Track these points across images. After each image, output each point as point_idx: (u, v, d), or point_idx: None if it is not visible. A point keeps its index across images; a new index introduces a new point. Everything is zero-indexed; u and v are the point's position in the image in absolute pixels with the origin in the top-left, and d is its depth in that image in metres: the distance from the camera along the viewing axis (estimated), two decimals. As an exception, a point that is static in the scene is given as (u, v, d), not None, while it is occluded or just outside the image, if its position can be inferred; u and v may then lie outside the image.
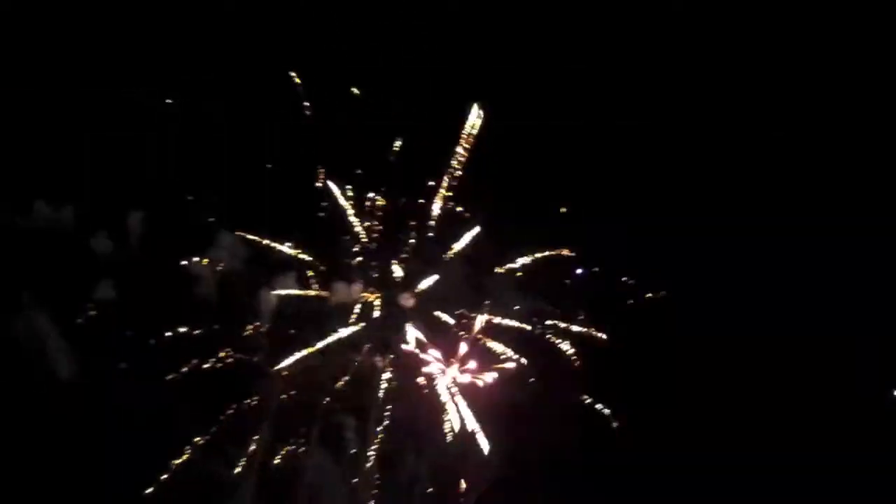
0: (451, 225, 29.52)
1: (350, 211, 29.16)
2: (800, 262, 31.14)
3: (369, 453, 29.53)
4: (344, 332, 29.23)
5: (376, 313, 29.79)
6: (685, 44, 29.98)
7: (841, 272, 30.64)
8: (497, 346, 29.93)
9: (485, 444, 29.51)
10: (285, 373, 28.80)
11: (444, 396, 29.54)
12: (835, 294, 30.58)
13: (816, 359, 30.32)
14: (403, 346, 29.63)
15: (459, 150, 28.92)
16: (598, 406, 30.18)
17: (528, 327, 30.20)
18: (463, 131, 29.08)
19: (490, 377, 29.69)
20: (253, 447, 29.05)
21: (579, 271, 30.58)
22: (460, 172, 28.97)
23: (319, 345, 29.14)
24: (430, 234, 29.51)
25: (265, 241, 28.88)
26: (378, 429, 29.67)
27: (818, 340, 30.16)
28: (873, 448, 29.88)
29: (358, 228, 29.45)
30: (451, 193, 29.22)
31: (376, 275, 29.65)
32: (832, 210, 30.63)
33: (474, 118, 29.02)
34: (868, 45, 29.74)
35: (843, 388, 30.14)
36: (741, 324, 30.72)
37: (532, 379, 29.93)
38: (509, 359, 29.89)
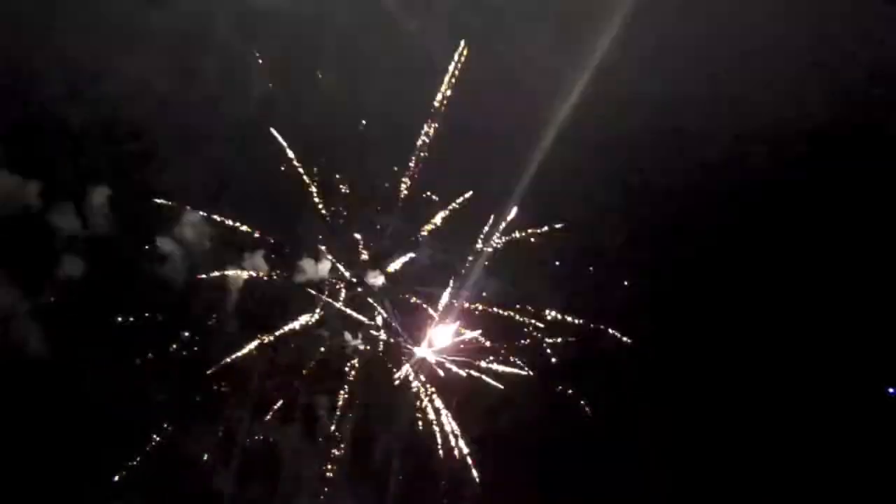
0: (420, 207, 29.14)
1: (315, 192, 28.80)
2: (797, 258, 30.39)
3: (338, 435, 29.36)
4: (304, 318, 28.98)
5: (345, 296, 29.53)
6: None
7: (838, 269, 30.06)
8: (468, 330, 29.60)
9: (455, 429, 29.28)
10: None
11: (413, 378, 29.33)
12: (830, 289, 30.01)
13: (810, 353, 29.78)
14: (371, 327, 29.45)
15: (429, 130, 28.46)
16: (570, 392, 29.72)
17: (501, 311, 29.74)
18: (448, 72, 28.27)
19: (460, 361, 29.50)
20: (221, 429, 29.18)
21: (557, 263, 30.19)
22: (425, 154, 28.57)
23: (287, 328, 29.00)
24: (399, 217, 29.16)
25: (230, 222, 28.58)
26: (348, 410, 29.49)
27: (811, 333, 29.72)
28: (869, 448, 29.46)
29: (324, 211, 29.09)
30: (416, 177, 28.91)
31: (343, 256, 29.30)
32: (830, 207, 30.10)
33: (459, 56, 28.19)
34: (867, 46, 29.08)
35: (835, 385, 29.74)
36: (726, 319, 30.14)
37: (502, 368, 29.64)
38: (480, 343, 29.58)
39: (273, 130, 28.07)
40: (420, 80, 28.03)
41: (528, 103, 29.02)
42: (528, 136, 29.10)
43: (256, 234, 28.75)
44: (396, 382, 29.31)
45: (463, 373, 29.38)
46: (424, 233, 29.20)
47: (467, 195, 29.25)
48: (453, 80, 28.15)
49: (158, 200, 28.31)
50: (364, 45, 28.01)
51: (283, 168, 28.26)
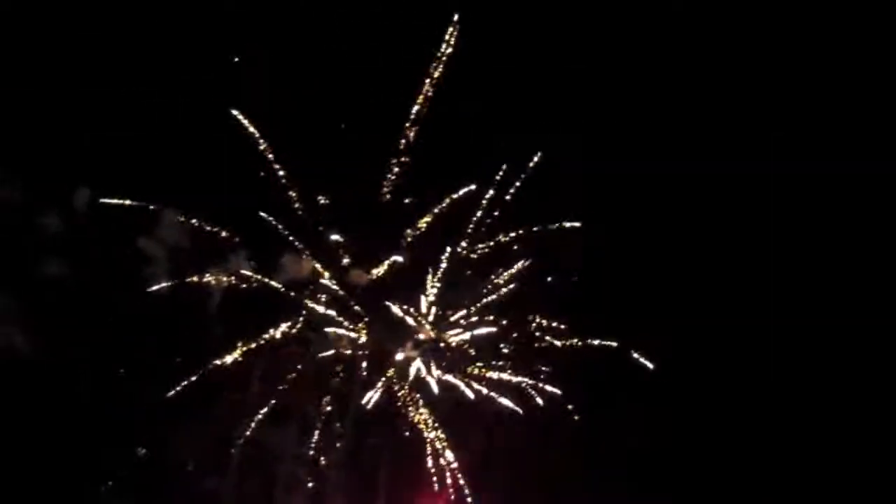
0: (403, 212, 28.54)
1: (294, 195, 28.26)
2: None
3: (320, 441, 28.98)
4: (287, 324, 28.53)
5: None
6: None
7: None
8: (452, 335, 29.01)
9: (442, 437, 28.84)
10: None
11: (396, 383, 28.94)
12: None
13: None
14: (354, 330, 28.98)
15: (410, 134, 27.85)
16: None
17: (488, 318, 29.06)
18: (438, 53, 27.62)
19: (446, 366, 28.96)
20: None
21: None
22: (406, 159, 27.90)
23: (270, 333, 28.59)
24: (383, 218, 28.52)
25: (208, 227, 28.23)
26: (334, 413, 29.10)
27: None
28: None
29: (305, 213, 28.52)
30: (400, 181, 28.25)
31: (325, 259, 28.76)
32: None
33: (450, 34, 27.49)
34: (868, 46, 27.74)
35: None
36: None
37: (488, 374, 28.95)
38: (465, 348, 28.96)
39: (242, 117, 27.54)
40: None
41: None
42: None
43: (237, 239, 28.38)
44: (380, 389, 28.82)
45: (448, 378, 28.88)
46: (417, 231, 28.67)
47: (470, 188, 28.56)
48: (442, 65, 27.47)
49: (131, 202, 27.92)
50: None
51: (262, 174, 27.97)
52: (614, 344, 28.64)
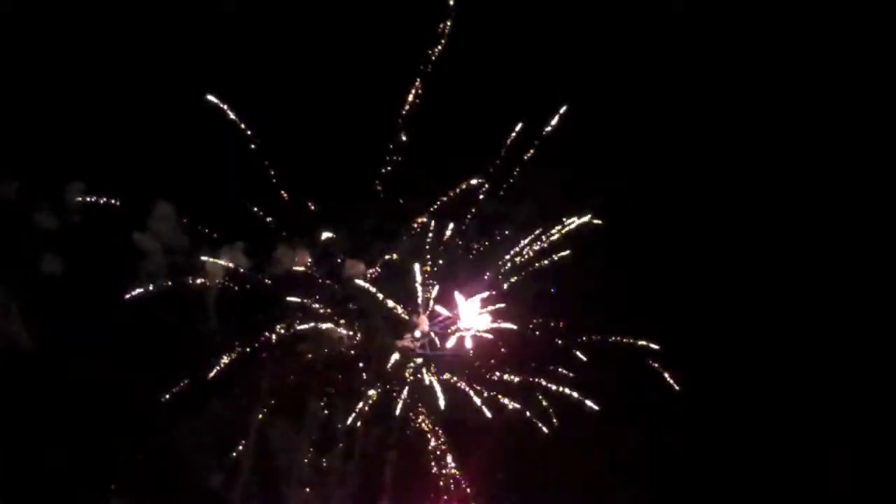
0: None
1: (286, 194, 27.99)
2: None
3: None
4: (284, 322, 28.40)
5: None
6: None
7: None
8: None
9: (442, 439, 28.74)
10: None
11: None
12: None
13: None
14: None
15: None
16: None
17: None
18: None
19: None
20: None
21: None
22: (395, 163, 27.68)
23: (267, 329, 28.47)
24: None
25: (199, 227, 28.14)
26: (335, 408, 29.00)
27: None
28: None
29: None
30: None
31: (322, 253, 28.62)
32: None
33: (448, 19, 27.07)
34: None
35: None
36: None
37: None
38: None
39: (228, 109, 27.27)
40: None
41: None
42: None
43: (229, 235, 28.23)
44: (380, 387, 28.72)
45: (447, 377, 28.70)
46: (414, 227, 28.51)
47: (476, 181, 28.28)
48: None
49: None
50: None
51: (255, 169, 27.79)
52: (656, 347, 28.35)
